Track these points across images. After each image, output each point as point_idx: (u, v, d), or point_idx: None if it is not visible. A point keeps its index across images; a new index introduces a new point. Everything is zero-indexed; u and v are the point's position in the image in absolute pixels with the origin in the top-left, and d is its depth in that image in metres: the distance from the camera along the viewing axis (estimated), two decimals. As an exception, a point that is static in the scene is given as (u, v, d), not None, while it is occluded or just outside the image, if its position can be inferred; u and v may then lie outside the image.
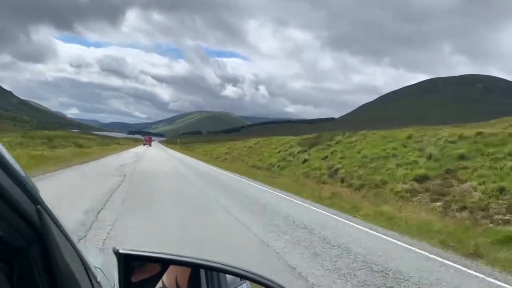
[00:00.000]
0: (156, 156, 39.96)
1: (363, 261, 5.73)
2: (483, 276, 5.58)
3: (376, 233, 8.01)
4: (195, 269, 1.23)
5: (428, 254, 6.50)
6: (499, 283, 5.35)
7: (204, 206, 10.04)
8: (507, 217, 9.43)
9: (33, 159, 18.00)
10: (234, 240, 6.67)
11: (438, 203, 11.49)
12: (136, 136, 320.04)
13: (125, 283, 0.96)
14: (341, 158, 20.81)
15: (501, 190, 10.76)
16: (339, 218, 9.61)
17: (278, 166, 25.93)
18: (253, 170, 25.36)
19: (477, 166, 13.08)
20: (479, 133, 16.11)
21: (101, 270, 1.11)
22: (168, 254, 1.02)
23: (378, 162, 17.40)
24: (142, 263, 1.04)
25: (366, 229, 8.37)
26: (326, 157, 22.74)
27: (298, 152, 27.37)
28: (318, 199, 12.63)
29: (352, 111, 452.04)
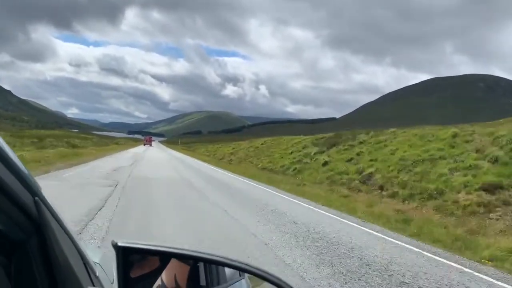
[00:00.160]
0: (156, 157, 36.88)
1: None
2: None
3: None
4: (194, 263, 1.14)
5: None
6: None
7: (237, 245, 6.25)
8: None
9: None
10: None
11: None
12: (136, 136, 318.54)
13: (124, 278, 0.91)
14: (371, 160, 17.88)
15: None
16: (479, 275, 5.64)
17: (294, 169, 22.99)
18: (268, 174, 22.38)
19: None
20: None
21: (100, 265, 1.10)
22: (168, 247, 0.98)
23: (423, 166, 14.47)
24: (141, 258, 0.98)
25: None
26: (352, 159, 19.84)
27: (315, 153, 24.48)
28: (389, 223, 9.24)
29: (354, 111, 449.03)
